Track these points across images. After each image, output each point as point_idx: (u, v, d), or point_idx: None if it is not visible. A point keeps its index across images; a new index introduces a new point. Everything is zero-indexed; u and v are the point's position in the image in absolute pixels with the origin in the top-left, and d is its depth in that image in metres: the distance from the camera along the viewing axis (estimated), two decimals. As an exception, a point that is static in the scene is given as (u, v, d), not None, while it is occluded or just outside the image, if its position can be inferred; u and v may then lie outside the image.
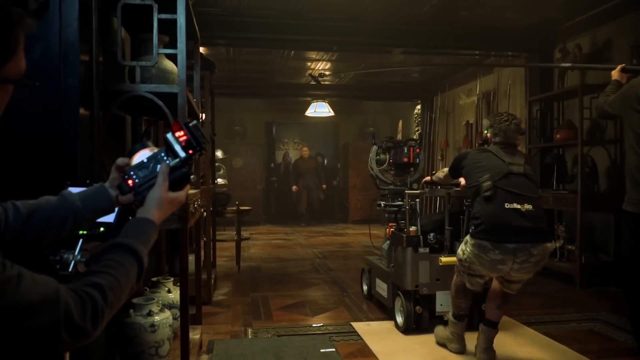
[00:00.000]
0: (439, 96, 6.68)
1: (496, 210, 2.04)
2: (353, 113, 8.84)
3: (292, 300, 3.44)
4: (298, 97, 7.73)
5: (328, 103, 7.69)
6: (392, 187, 3.13)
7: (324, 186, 8.30)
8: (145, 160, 0.84)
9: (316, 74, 4.85)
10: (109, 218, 0.91)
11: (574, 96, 3.99)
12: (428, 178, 2.93)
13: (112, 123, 1.74)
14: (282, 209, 8.61)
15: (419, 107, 7.71)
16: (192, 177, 0.88)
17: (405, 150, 3.09)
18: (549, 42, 4.53)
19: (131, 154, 0.89)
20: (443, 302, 2.61)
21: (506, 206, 2.03)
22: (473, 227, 2.11)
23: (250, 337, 2.66)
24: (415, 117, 7.94)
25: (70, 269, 0.85)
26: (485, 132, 2.35)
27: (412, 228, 2.67)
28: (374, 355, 2.37)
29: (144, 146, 0.89)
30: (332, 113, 7.78)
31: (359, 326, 2.80)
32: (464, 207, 2.61)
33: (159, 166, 0.83)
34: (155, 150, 0.86)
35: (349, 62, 5.78)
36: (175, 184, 0.82)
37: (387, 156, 3.24)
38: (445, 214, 2.72)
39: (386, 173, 3.24)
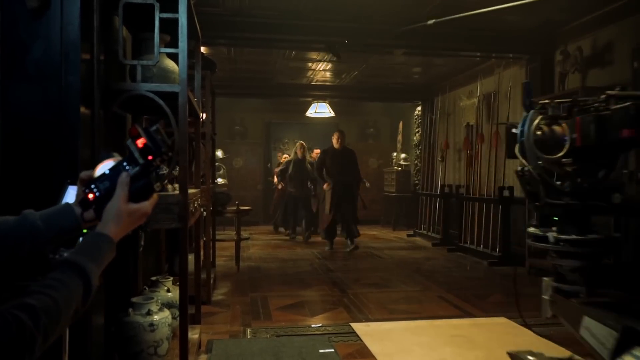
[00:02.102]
0: (440, 98, 6.69)
1: None
2: (354, 114, 8.84)
3: (291, 300, 3.43)
4: (299, 98, 7.74)
5: (329, 104, 7.68)
6: (569, 199, 1.54)
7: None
8: (107, 172, 0.78)
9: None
10: None
11: (574, 98, 3.99)
12: None
13: (113, 122, 1.74)
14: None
15: (419, 108, 7.72)
16: (156, 185, 0.78)
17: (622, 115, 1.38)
18: (550, 44, 4.54)
19: (95, 165, 0.83)
20: None
21: None
22: None
23: (249, 337, 2.66)
24: (416, 119, 7.95)
25: None
26: None
27: None
28: (372, 356, 2.37)
29: (109, 156, 0.82)
30: (332, 114, 7.77)
31: (358, 327, 2.79)
32: None
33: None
34: (119, 159, 0.80)
35: (351, 63, 5.77)
36: (137, 194, 0.76)
37: (565, 130, 1.56)
38: None
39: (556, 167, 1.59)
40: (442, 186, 6.25)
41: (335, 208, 5.67)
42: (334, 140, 5.81)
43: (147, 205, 0.78)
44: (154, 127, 0.78)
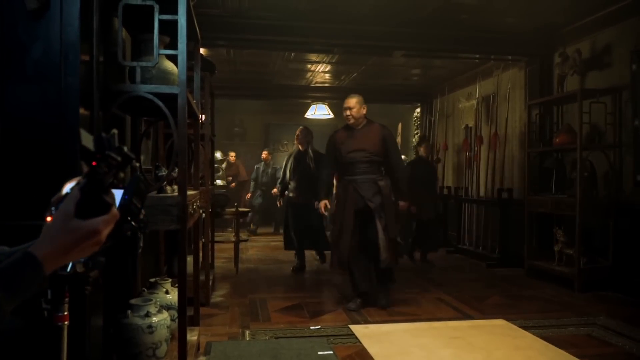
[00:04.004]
0: (439, 99, 6.70)
1: None
2: None
3: (290, 302, 3.43)
4: (298, 99, 7.75)
5: (328, 105, 7.70)
6: None
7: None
8: (69, 192, 0.68)
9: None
10: None
11: (573, 100, 4.01)
12: None
13: (112, 123, 1.73)
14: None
15: (418, 110, 7.74)
16: (106, 197, 0.64)
17: None
18: (549, 46, 4.56)
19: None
20: None
21: None
22: None
23: (248, 339, 2.66)
24: (415, 120, 7.97)
25: (68, 269, 0.74)
26: None
27: None
28: (371, 358, 2.37)
29: (75, 176, 0.73)
30: (332, 115, 7.79)
31: (357, 329, 2.79)
32: None
33: None
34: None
35: (350, 64, 5.81)
36: (84, 208, 0.63)
37: None
38: None
39: None
40: (441, 188, 6.28)
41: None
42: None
43: (96, 222, 0.63)
44: (109, 134, 0.66)
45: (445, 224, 6.05)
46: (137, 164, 1.88)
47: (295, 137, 4.58)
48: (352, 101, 3.30)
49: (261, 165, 7.64)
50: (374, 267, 3.22)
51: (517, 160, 5.11)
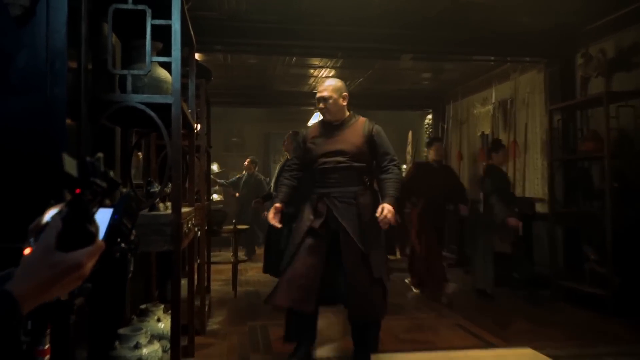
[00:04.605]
0: (452, 105, 6.72)
1: None
2: None
3: (293, 329, 3.38)
4: (300, 107, 7.80)
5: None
6: None
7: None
8: (50, 220, 0.67)
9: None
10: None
11: (599, 104, 4.00)
12: None
13: (101, 135, 1.74)
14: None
15: (430, 116, 7.75)
16: (91, 227, 0.63)
17: None
18: (569, 47, 4.57)
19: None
20: None
21: None
22: None
23: (247, 370, 2.61)
24: (427, 128, 7.97)
25: None
26: None
27: None
28: (385, 392, 2.31)
29: (54, 204, 0.72)
30: (336, 123, 7.82)
31: (368, 358, 2.73)
32: None
33: None
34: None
35: (355, 68, 5.85)
36: (67, 240, 0.62)
37: None
38: None
39: None
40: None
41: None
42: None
43: (79, 255, 0.62)
44: (93, 158, 0.66)
45: (461, 240, 5.99)
46: (127, 189, 1.86)
47: (282, 144, 4.36)
48: (328, 88, 2.54)
49: (244, 175, 7.20)
50: (349, 321, 2.53)
51: (539, 170, 5.09)
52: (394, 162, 2.56)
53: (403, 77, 6.26)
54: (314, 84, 6.63)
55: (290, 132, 4.22)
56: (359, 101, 7.37)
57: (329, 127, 2.60)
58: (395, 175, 2.53)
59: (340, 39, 4.36)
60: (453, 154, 6.68)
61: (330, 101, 2.52)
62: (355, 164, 2.51)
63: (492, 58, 5.05)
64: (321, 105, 2.56)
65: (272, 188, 4.28)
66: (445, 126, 6.95)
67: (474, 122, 6.40)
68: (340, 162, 2.49)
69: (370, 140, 2.55)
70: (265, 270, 4.23)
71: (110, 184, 0.65)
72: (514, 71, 5.37)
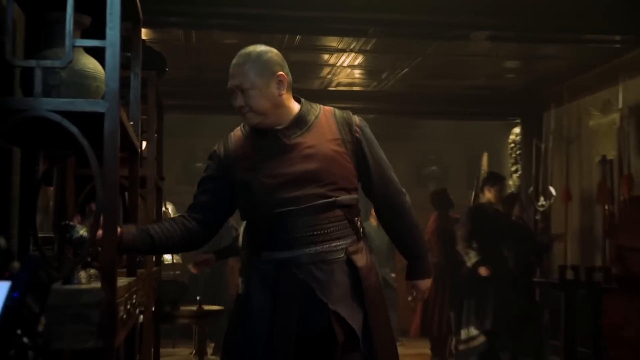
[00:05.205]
0: (553, 112, 4.99)
1: None
2: (400, 139, 6.52)
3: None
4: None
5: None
6: None
7: None
8: None
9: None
10: None
11: None
12: None
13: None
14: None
15: (517, 130, 6.09)
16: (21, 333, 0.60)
17: None
18: None
19: None
20: None
21: None
22: None
23: None
24: (513, 149, 6.31)
25: None
26: None
27: None
28: None
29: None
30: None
31: None
32: None
33: None
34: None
35: (395, 54, 4.56)
36: None
37: None
38: None
39: None
40: (563, 268, 4.07)
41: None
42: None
43: None
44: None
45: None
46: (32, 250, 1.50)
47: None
48: (239, 71, 1.57)
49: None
50: None
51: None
52: (401, 192, 1.71)
53: (474, 69, 4.81)
54: (330, 77, 5.17)
55: None
56: (401, 105, 5.95)
57: (270, 138, 1.59)
58: (411, 215, 1.71)
59: (372, 8, 3.35)
60: (556, 191, 4.93)
61: (252, 92, 1.55)
62: (340, 197, 1.58)
63: (618, 38, 3.81)
64: (238, 103, 1.58)
65: (240, 236, 3.22)
66: (543, 145, 5.18)
67: (588, 139, 4.95)
68: (310, 197, 1.55)
69: (354, 144, 1.63)
70: None
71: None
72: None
